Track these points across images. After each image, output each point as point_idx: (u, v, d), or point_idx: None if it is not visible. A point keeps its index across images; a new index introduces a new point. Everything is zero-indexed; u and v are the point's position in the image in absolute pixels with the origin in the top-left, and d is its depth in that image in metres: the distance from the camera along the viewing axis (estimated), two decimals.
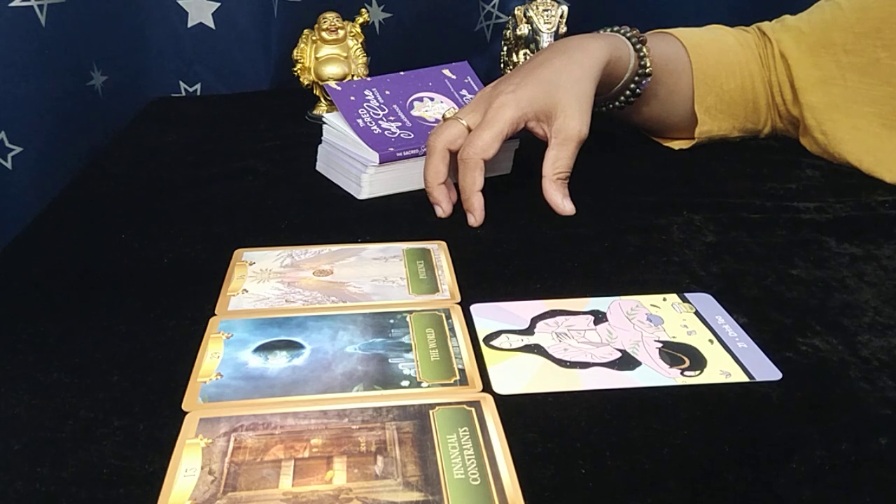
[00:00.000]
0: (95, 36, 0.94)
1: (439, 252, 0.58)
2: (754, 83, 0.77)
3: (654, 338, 0.47)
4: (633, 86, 0.71)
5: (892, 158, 0.69)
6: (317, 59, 0.87)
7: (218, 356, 0.45)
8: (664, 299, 0.51)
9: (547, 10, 0.87)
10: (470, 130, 0.63)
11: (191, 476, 0.36)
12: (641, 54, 0.69)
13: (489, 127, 0.61)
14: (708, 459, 0.37)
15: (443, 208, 0.64)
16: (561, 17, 0.87)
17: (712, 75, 0.75)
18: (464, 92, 0.77)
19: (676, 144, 0.79)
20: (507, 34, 0.94)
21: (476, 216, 0.62)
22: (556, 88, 0.63)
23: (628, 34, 0.70)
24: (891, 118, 0.70)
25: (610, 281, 0.54)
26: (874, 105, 0.71)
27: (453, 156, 0.63)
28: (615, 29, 0.71)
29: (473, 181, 0.61)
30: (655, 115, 0.77)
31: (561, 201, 0.64)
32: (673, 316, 0.50)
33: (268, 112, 0.95)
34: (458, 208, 0.66)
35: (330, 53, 0.87)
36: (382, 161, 0.66)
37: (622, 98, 0.72)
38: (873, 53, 0.70)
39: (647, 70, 0.70)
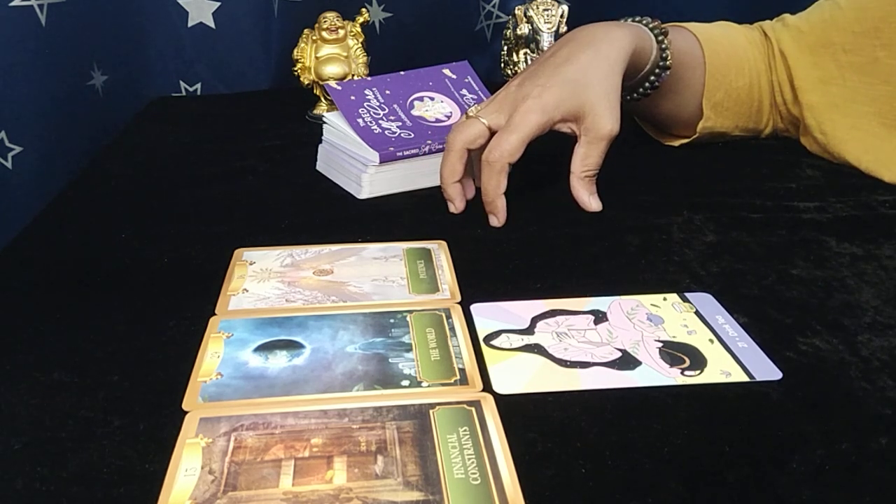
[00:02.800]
0: (95, 36, 0.94)
1: (439, 252, 0.58)
2: (761, 82, 0.77)
3: (654, 337, 0.47)
4: (652, 78, 0.70)
5: (891, 158, 0.69)
6: (317, 58, 0.87)
7: (218, 356, 0.45)
8: (664, 299, 0.51)
9: (547, 10, 0.87)
10: (490, 130, 0.62)
11: (191, 476, 0.36)
12: (663, 46, 0.69)
13: (516, 131, 0.60)
14: (708, 459, 0.37)
15: (455, 205, 0.64)
16: (561, 16, 0.87)
17: (723, 72, 0.75)
18: (464, 92, 0.77)
19: (676, 142, 0.79)
20: (508, 34, 0.94)
21: (500, 218, 0.62)
22: (584, 88, 0.62)
23: (650, 25, 0.69)
24: (890, 117, 0.70)
25: (610, 281, 0.54)
26: (873, 104, 0.71)
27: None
28: (637, 19, 0.70)
29: (499, 184, 0.61)
30: (666, 109, 0.76)
31: (588, 199, 0.64)
32: (673, 316, 0.50)
33: (268, 112, 0.95)
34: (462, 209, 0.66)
35: (330, 53, 0.87)
36: (383, 161, 0.66)
37: (640, 90, 0.71)
38: (872, 53, 0.70)
39: (668, 63, 0.69)
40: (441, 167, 0.64)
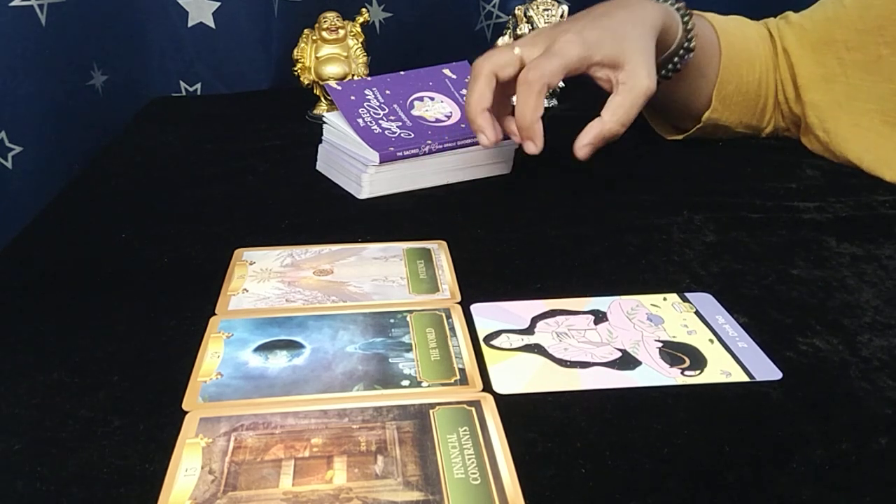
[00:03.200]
0: (95, 36, 0.94)
1: (439, 252, 0.58)
2: (768, 79, 0.76)
3: (654, 337, 0.47)
4: (676, 59, 0.69)
5: (892, 156, 0.69)
6: (317, 58, 0.87)
7: (218, 356, 0.45)
8: (664, 299, 0.51)
9: (547, 10, 0.87)
10: (522, 62, 0.59)
11: (191, 476, 0.36)
12: (689, 28, 0.68)
13: (558, 55, 0.57)
14: (708, 459, 0.37)
15: (487, 136, 0.61)
16: (561, 16, 0.87)
17: (736, 63, 0.74)
18: (464, 92, 0.77)
19: (679, 136, 0.79)
20: (508, 34, 0.94)
21: (537, 144, 0.59)
22: (623, 38, 0.60)
23: (676, 5, 0.68)
24: (893, 115, 0.69)
25: (610, 281, 0.54)
26: (876, 102, 0.70)
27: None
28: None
29: (537, 106, 0.58)
30: (681, 95, 0.75)
31: (584, 145, 0.61)
32: (673, 316, 0.50)
33: (268, 112, 0.94)
34: (458, 208, 0.66)
35: (330, 53, 0.87)
36: (383, 161, 0.66)
37: (662, 71, 0.70)
38: (875, 51, 0.70)
39: (692, 45, 0.68)
40: (467, 95, 0.60)
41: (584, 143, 0.61)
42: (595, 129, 0.61)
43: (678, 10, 0.68)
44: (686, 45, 0.69)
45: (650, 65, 0.61)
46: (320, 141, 0.73)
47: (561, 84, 0.89)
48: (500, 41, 0.60)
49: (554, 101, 0.92)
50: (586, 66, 0.60)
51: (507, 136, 0.64)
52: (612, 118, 0.60)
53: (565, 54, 0.58)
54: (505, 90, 0.61)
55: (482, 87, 0.60)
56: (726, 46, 0.74)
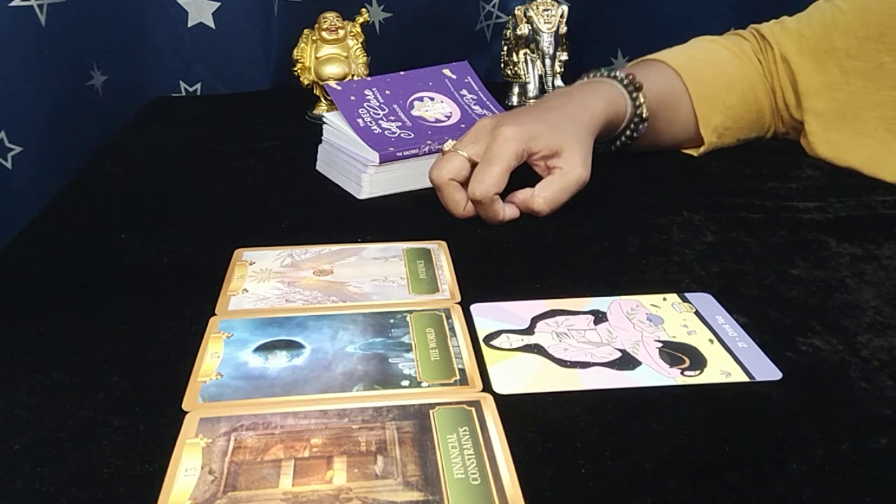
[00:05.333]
0: (95, 36, 0.94)
1: (439, 252, 0.58)
2: (756, 93, 0.76)
3: (654, 337, 0.47)
4: (629, 132, 0.70)
5: (894, 164, 0.69)
6: (317, 58, 0.87)
7: (218, 356, 0.45)
8: (664, 299, 0.51)
9: (547, 10, 0.87)
10: (471, 162, 0.61)
11: (191, 476, 0.36)
12: (637, 103, 0.69)
13: (496, 162, 0.60)
14: (708, 459, 0.37)
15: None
16: (561, 16, 0.87)
17: (712, 95, 0.74)
18: (464, 92, 0.77)
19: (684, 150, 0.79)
20: (508, 34, 0.94)
21: (514, 216, 0.63)
22: (560, 131, 0.62)
23: (624, 81, 0.69)
24: (894, 123, 0.69)
25: (610, 281, 0.54)
26: (878, 110, 0.70)
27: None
28: (610, 73, 0.70)
29: (496, 213, 0.61)
30: (658, 143, 0.75)
31: (508, 203, 0.63)
32: (673, 316, 0.50)
33: (268, 112, 0.95)
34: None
35: (330, 53, 0.87)
36: (382, 161, 0.66)
37: (619, 142, 0.72)
38: (877, 58, 0.70)
39: (644, 115, 0.69)
40: (445, 206, 0.63)
41: (510, 201, 0.63)
42: (523, 196, 0.63)
43: (626, 86, 0.69)
44: (636, 119, 0.69)
45: (586, 156, 0.63)
46: (320, 141, 0.73)
47: (559, 82, 0.89)
48: (446, 146, 0.62)
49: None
50: (527, 157, 0.62)
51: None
52: (541, 197, 0.62)
53: (503, 157, 0.60)
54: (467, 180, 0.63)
55: (452, 194, 0.62)
56: (694, 85, 0.74)
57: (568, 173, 0.62)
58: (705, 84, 0.75)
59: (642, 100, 0.69)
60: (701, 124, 0.74)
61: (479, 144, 0.61)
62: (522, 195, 0.63)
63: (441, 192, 0.63)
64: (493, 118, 0.64)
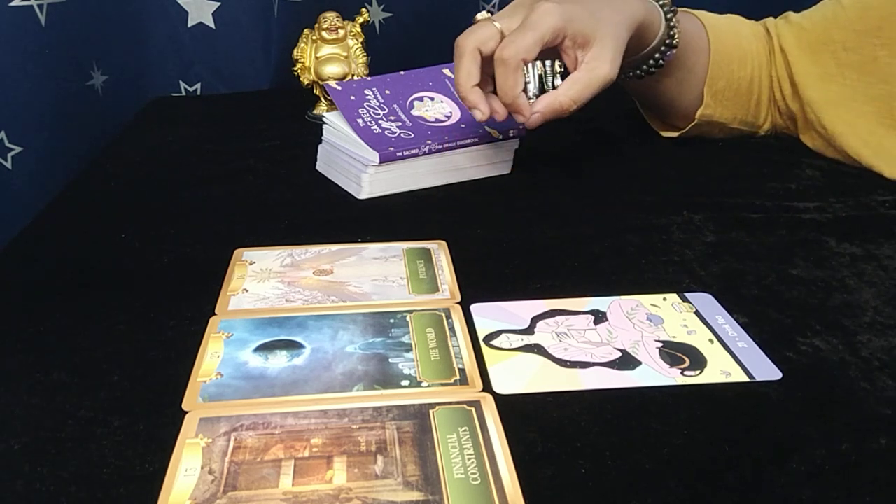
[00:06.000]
0: (95, 36, 0.94)
1: (439, 252, 0.58)
2: (762, 76, 0.77)
3: (654, 337, 0.47)
4: (657, 55, 0.69)
5: (890, 154, 0.69)
6: (317, 58, 0.87)
7: (218, 356, 0.45)
8: (664, 299, 0.51)
9: None
10: (502, 34, 0.59)
11: (191, 476, 0.36)
12: (672, 24, 0.68)
13: (532, 28, 0.58)
14: (708, 459, 0.37)
15: (481, 110, 0.61)
16: None
17: (727, 60, 0.75)
18: None
19: (675, 133, 0.79)
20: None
21: (525, 114, 0.61)
22: (598, 20, 0.60)
23: (661, 2, 0.69)
24: (888, 117, 0.70)
25: (610, 281, 0.54)
26: (872, 104, 0.71)
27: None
28: None
29: (515, 82, 0.59)
30: (669, 91, 0.75)
31: (534, 112, 0.61)
32: (673, 316, 0.50)
33: (268, 112, 0.94)
34: (457, 207, 0.66)
35: (330, 53, 0.87)
36: (382, 161, 0.66)
37: (644, 67, 0.71)
38: (872, 52, 0.70)
39: (675, 41, 0.69)
40: (455, 73, 0.61)
41: (535, 110, 0.61)
42: (548, 99, 0.62)
43: (663, 6, 0.69)
44: (668, 41, 0.69)
45: (616, 54, 0.61)
46: (320, 141, 0.73)
47: (559, 82, 0.89)
48: (479, 16, 0.60)
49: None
50: (560, 38, 0.60)
51: (513, 126, 0.63)
52: (567, 93, 0.61)
53: (540, 26, 0.58)
54: (490, 65, 0.61)
55: (468, 64, 0.60)
56: (716, 42, 0.74)
57: (595, 69, 0.60)
58: (725, 47, 0.75)
59: (675, 23, 0.68)
60: (707, 82, 0.74)
61: (515, 18, 0.60)
62: (546, 98, 0.61)
63: (459, 61, 0.61)
64: None
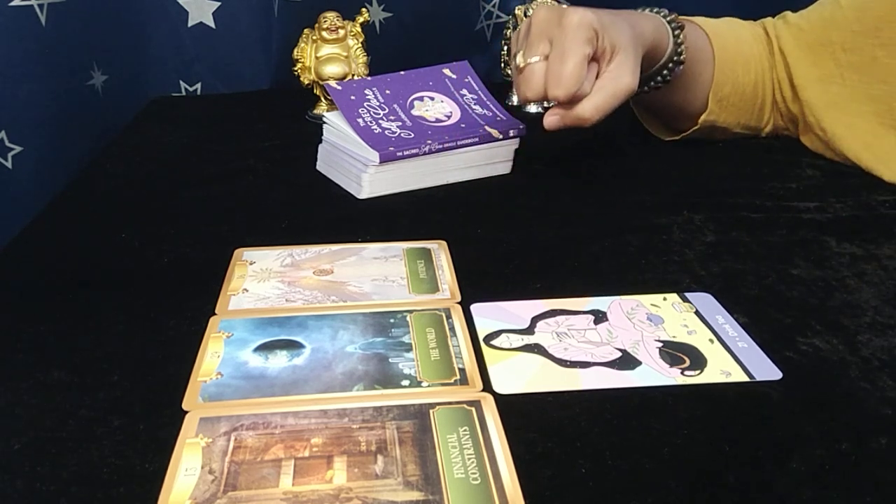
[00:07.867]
0: (95, 36, 0.94)
1: (439, 252, 0.58)
2: (765, 79, 0.77)
3: (654, 337, 0.47)
4: (665, 72, 0.70)
5: (890, 156, 0.69)
6: (317, 58, 0.87)
7: (218, 355, 0.45)
8: (664, 299, 0.51)
9: None
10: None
11: (191, 475, 0.36)
12: (679, 41, 0.69)
13: (570, 55, 0.57)
14: (708, 459, 0.37)
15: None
16: None
17: (731, 66, 0.75)
18: (464, 91, 0.77)
19: (676, 136, 0.79)
20: (508, 34, 0.94)
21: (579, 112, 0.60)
22: (621, 31, 0.61)
23: (667, 18, 0.69)
24: (888, 117, 0.70)
25: (610, 281, 0.54)
26: (872, 104, 0.71)
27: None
28: (655, 10, 0.70)
29: (580, 115, 0.59)
30: (676, 102, 0.76)
31: (554, 114, 0.60)
32: (673, 315, 0.50)
33: (268, 112, 0.94)
34: (457, 207, 0.66)
35: (330, 53, 0.87)
36: (383, 160, 0.66)
37: (652, 83, 0.71)
38: (871, 52, 0.70)
39: (682, 57, 0.69)
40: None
41: (555, 111, 0.61)
42: (563, 111, 0.60)
43: (670, 23, 0.69)
44: (676, 58, 0.69)
45: (636, 65, 0.61)
46: (320, 141, 0.73)
47: None
48: (519, 59, 0.59)
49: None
50: (597, 46, 0.59)
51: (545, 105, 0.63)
52: (591, 102, 0.59)
53: (577, 48, 0.57)
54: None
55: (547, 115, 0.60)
56: (719, 50, 0.74)
57: (619, 79, 0.60)
58: (729, 54, 0.75)
59: (682, 39, 0.69)
60: (713, 89, 0.74)
61: (546, 42, 0.59)
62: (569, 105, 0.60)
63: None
64: (548, 9, 0.60)
